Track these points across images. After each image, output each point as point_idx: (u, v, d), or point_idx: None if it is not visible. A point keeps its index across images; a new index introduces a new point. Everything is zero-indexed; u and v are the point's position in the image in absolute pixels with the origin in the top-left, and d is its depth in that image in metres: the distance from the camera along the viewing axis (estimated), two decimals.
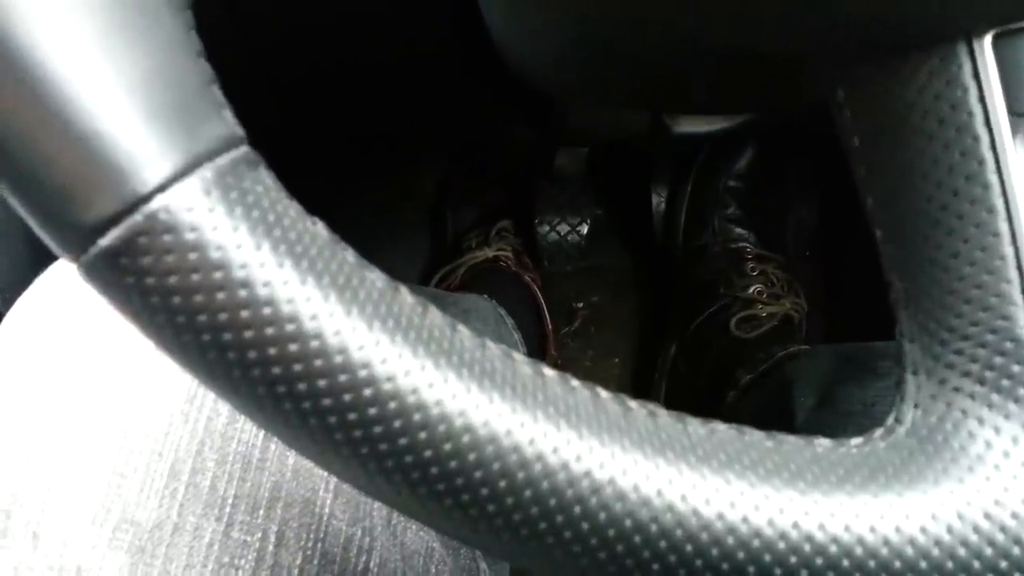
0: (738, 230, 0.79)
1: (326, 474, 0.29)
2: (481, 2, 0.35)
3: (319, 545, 0.29)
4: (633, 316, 0.89)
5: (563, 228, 0.86)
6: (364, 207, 0.83)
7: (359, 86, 0.63)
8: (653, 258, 0.87)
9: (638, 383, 0.85)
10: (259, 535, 0.28)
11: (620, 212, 0.90)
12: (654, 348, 0.84)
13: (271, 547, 0.28)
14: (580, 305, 0.89)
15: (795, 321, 0.74)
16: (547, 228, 0.86)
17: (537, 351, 0.78)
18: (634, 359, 0.87)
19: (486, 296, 0.71)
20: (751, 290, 0.74)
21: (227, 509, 0.28)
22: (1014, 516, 0.17)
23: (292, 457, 0.29)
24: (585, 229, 0.87)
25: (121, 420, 0.27)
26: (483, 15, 0.37)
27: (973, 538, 0.17)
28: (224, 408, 0.28)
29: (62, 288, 0.30)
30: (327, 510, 0.30)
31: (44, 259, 0.29)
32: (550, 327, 0.80)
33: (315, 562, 0.29)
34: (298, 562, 0.28)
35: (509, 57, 0.40)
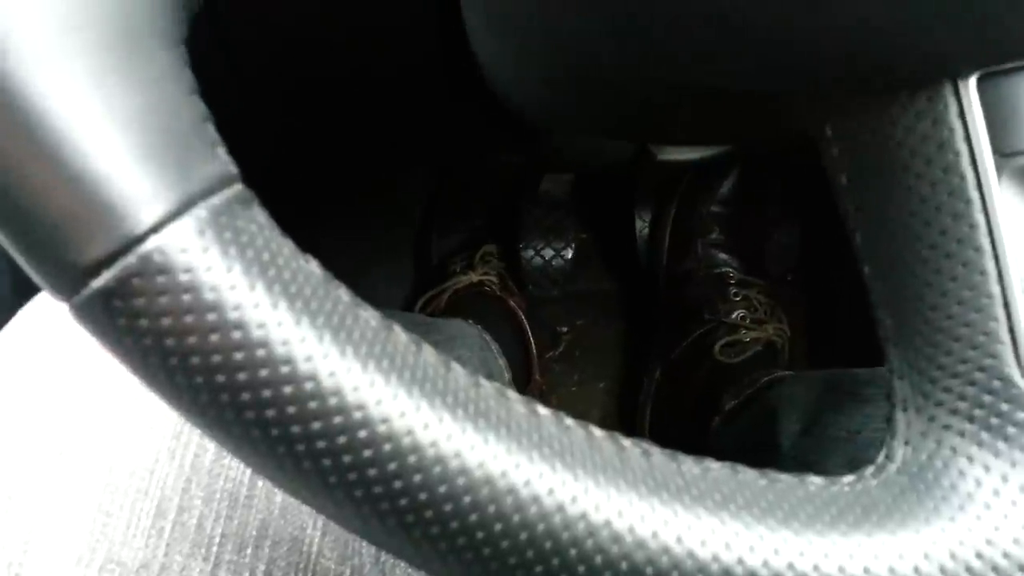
0: (721, 255, 0.80)
1: (314, 511, 0.29)
2: (468, 31, 0.35)
3: None
4: (618, 340, 0.89)
5: (548, 252, 0.86)
6: (348, 230, 0.82)
7: (344, 108, 0.63)
8: (637, 283, 0.88)
9: (623, 407, 0.85)
10: (246, 574, 0.27)
11: (605, 237, 0.90)
12: (639, 372, 0.84)
13: None
14: (565, 329, 0.89)
15: (778, 346, 0.74)
16: (532, 252, 0.86)
17: (522, 376, 0.77)
18: (619, 383, 0.87)
19: (471, 321, 0.71)
20: (735, 315, 0.74)
21: (214, 548, 0.27)
22: (1005, 555, 0.17)
23: (279, 495, 0.28)
24: (570, 253, 0.87)
25: (106, 457, 0.27)
26: (470, 42, 0.37)
27: None
28: (211, 445, 0.28)
29: (45, 321, 0.29)
30: (315, 548, 0.29)
31: (27, 291, 0.29)
32: (535, 352, 0.80)
33: None
34: None
35: (495, 84, 0.40)
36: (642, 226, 0.86)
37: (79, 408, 0.27)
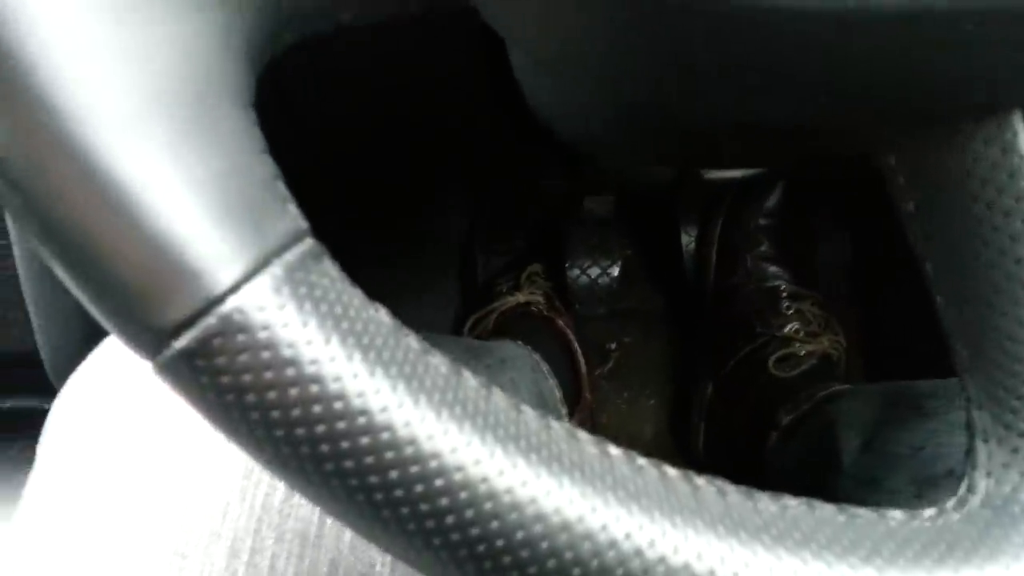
0: (771, 268, 0.79)
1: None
2: (514, 67, 0.35)
3: None
4: (666, 356, 0.88)
5: (594, 271, 0.86)
6: (395, 254, 0.83)
7: (390, 134, 0.64)
8: (684, 298, 0.87)
9: (674, 423, 0.85)
10: None
11: (650, 253, 0.90)
12: (688, 388, 0.83)
13: None
14: (613, 346, 0.89)
15: (835, 359, 0.73)
16: (577, 271, 0.86)
17: (572, 394, 0.77)
18: (669, 399, 0.86)
19: (520, 343, 0.71)
20: (788, 328, 0.73)
21: None
22: None
23: (349, 533, 0.29)
24: (616, 271, 0.87)
25: (179, 499, 0.28)
26: (516, 77, 0.37)
27: None
28: (281, 484, 0.28)
29: (115, 364, 0.30)
30: None
31: (96, 334, 0.30)
32: (584, 370, 0.80)
33: None
34: None
35: (539, 116, 0.40)
36: (688, 241, 0.85)
37: (150, 450, 0.28)
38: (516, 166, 0.73)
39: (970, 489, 0.19)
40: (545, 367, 0.71)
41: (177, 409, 0.28)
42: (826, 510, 0.18)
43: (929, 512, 0.19)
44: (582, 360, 0.80)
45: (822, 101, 0.19)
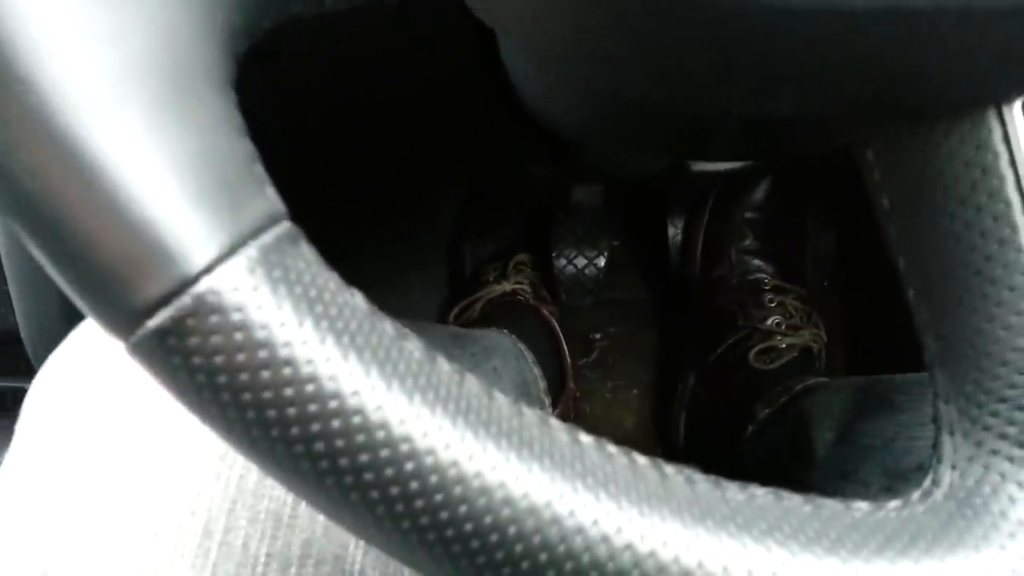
0: (756, 262, 0.79)
1: None
2: (503, 56, 0.35)
3: None
4: (651, 347, 0.89)
5: (580, 261, 0.86)
6: (384, 241, 0.83)
7: (379, 120, 0.64)
8: (670, 290, 0.87)
9: (657, 414, 0.85)
10: None
11: (637, 244, 0.90)
12: (673, 379, 0.83)
13: None
14: (598, 336, 0.89)
15: (815, 352, 0.74)
16: (564, 261, 0.86)
17: (556, 384, 0.78)
18: (653, 390, 0.87)
19: (505, 331, 0.72)
20: (770, 321, 0.74)
21: (259, 568, 0.27)
22: None
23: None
24: (602, 262, 0.87)
25: (154, 478, 0.28)
26: (505, 66, 0.37)
27: None
28: (255, 466, 0.29)
29: (94, 344, 0.30)
30: (358, 567, 0.29)
31: (77, 315, 0.29)
32: (568, 360, 0.80)
33: None
34: None
35: (527, 103, 0.40)
36: (674, 233, 0.86)
37: (127, 431, 0.28)
38: (505, 155, 0.73)
39: (935, 482, 0.19)
40: (530, 356, 0.71)
41: (154, 390, 0.28)
42: (793, 500, 0.18)
43: (894, 504, 0.19)
44: (566, 350, 0.80)
45: (803, 95, 0.20)
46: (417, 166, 0.78)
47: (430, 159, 0.76)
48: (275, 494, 0.28)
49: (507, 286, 0.78)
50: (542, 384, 0.72)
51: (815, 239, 0.85)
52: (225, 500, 0.28)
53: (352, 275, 0.19)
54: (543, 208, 0.87)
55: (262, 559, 0.28)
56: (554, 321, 0.80)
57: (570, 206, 0.84)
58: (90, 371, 0.29)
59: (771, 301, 0.76)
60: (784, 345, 0.73)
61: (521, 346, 0.71)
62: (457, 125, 0.64)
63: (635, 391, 0.87)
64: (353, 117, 0.61)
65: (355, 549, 0.29)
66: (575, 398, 0.82)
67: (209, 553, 0.27)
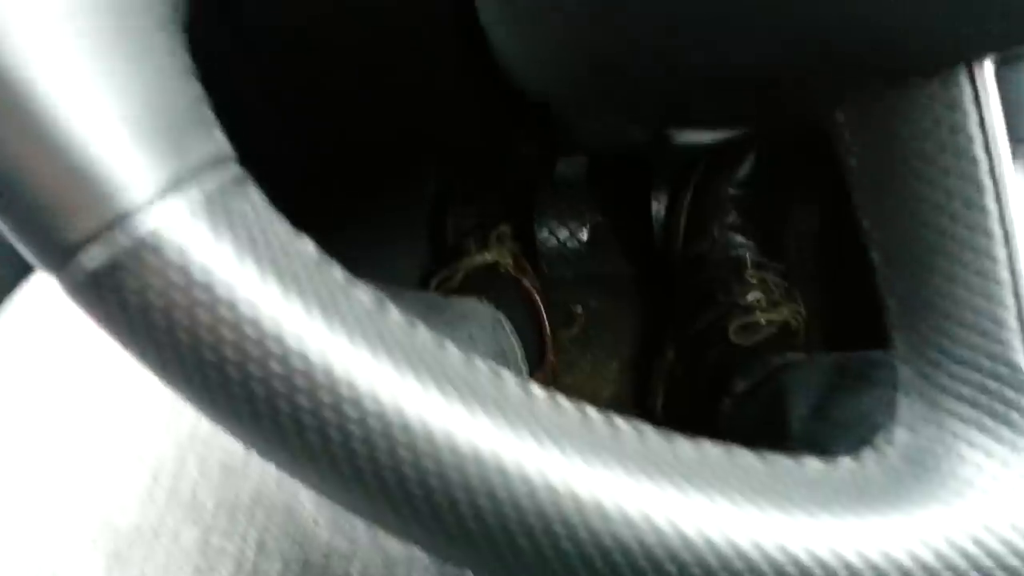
0: (738, 238, 0.79)
1: None
2: (481, 16, 0.35)
3: (300, 552, 0.29)
4: (633, 321, 0.89)
5: (563, 234, 0.86)
6: (365, 210, 0.83)
7: (360, 89, 0.63)
8: (653, 264, 0.87)
9: (637, 387, 0.85)
10: (239, 542, 0.28)
11: (620, 218, 0.90)
12: (653, 353, 0.83)
13: (251, 554, 0.28)
14: (580, 310, 0.89)
15: (794, 329, 0.74)
16: (547, 233, 0.86)
17: (535, 356, 0.78)
18: (633, 364, 0.87)
19: (484, 300, 0.71)
20: (750, 297, 0.74)
21: (207, 515, 0.27)
22: (1002, 541, 0.17)
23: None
24: (585, 235, 0.87)
25: (103, 424, 0.28)
26: (483, 26, 0.36)
27: (960, 563, 0.17)
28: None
29: (48, 294, 0.30)
30: (310, 517, 0.29)
31: (29, 266, 0.29)
32: (549, 332, 0.80)
33: (295, 569, 0.29)
34: (278, 569, 0.28)
35: (507, 68, 0.40)
36: (658, 208, 0.86)
37: (76, 379, 0.28)
38: (489, 124, 0.72)
39: (888, 441, 0.19)
40: (508, 325, 0.71)
41: (103, 340, 0.28)
42: (745, 456, 0.18)
43: (847, 462, 0.19)
44: (547, 322, 0.80)
45: (775, 51, 0.19)
46: (399, 135, 0.78)
47: (412, 128, 0.75)
48: (226, 444, 0.28)
49: (488, 256, 0.78)
50: (520, 354, 0.72)
51: (798, 216, 0.85)
52: (175, 448, 0.28)
53: (333, 245, 0.19)
54: (527, 180, 0.86)
55: (210, 506, 0.28)
56: (535, 293, 0.80)
57: (554, 179, 0.84)
58: (41, 322, 0.29)
59: (752, 277, 0.76)
60: (764, 321, 0.73)
61: (500, 316, 0.71)
62: (440, 95, 0.64)
63: (615, 364, 0.87)
64: (330, 81, 0.60)
65: (306, 499, 0.29)
66: (555, 370, 0.82)
67: (156, 499, 0.27)
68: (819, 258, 0.86)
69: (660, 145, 0.59)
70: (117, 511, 0.27)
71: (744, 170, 0.80)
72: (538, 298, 0.80)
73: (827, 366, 0.58)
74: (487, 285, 0.77)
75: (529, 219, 0.86)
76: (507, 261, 0.80)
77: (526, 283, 0.80)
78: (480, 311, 0.65)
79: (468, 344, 0.57)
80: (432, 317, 0.52)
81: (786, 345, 0.71)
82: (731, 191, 0.80)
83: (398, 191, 0.87)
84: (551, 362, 0.81)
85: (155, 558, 0.27)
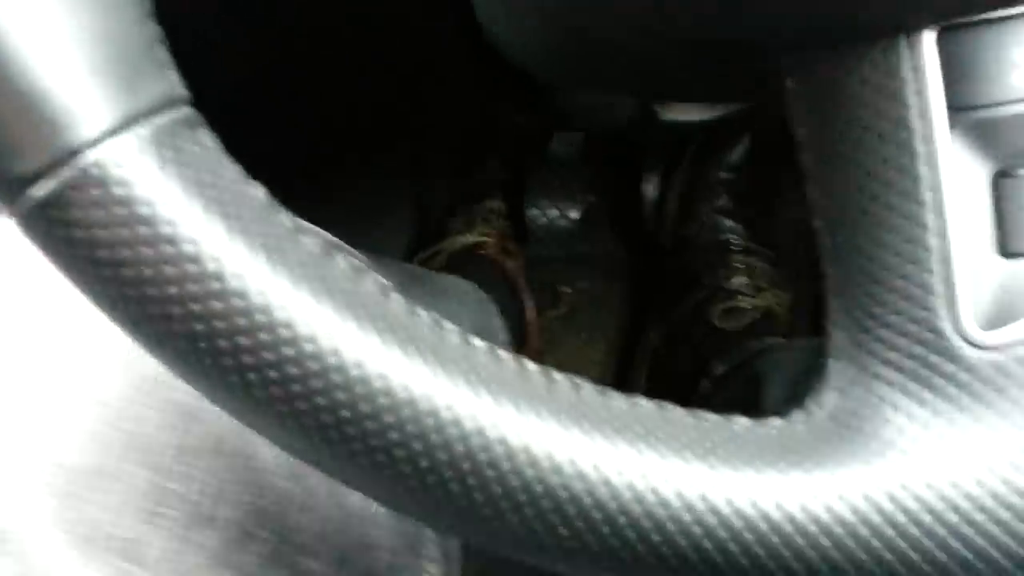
0: (727, 222, 0.80)
1: None
2: None
3: (256, 501, 0.29)
4: (620, 303, 0.89)
5: (553, 212, 0.86)
6: (348, 182, 0.82)
7: (346, 55, 0.63)
8: (643, 246, 0.87)
9: (621, 369, 0.86)
10: (195, 487, 0.28)
11: (611, 199, 0.90)
12: (639, 335, 0.84)
13: (207, 500, 0.28)
14: (568, 290, 0.89)
15: (777, 315, 0.74)
16: (537, 211, 0.86)
17: (516, 338, 0.77)
18: (619, 346, 0.87)
19: (469, 282, 0.71)
20: (735, 282, 0.74)
21: (164, 459, 0.27)
22: (917, 499, 0.17)
23: None
24: (575, 214, 0.87)
25: (55, 362, 0.27)
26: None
27: (876, 519, 0.17)
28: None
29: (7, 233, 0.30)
30: (268, 466, 0.29)
31: None
32: (529, 316, 0.80)
33: (251, 518, 0.29)
34: (232, 516, 0.28)
35: (490, 34, 0.40)
36: (650, 190, 0.86)
37: (32, 316, 0.28)
38: (479, 96, 0.72)
39: (818, 403, 0.19)
40: (494, 308, 0.71)
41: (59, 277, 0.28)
42: (676, 412, 0.19)
43: (775, 421, 0.19)
44: (528, 305, 0.80)
45: (713, 11, 0.20)
46: (386, 106, 0.77)
47: (398, 99, 0.75)
48: (184, 385, 0.28)
49: (470, 237, 0.78)
50: (506, 336, 0.72)
51: (788, 203, 0.85)
52: (130, 387, 0.28)
53: (313, 215, 0.19)
54: (518, 157, 0.86)
55: (169, 451, 0.28)
56: (518, 277, 0.80)
57: (547, 157, 0.84)
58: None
59: (739, 262, 0.76)
60: (748, 306, 0.73)
61: (485, 296, 0.70)
62: (428, 65, 0.64)
63: (601, 345, 0.88)
64: (313, 49, 0.60)
65: (265, 447, 0.29)
66: (540, 353, 0.82)
67: (111, 439, 0.27)
68: (808, 245, 0.87)
69: (648, 122, 0.59)
70: (71, 452, 0.27)
71: (736, 154, 0.81)
72: (521, 282, 0.80)
73: (805, 351, 0.58)
74: (470, 269, 0.77)
75: (520, 196, 0.86)
76: (489, 242, 0.79)
77: (508, 266, 0.80)
78: (462, 287, 0.65)
79: (450, 319, 0.57)
80: (414, 288, 0.52)
81: (768, 331, 0.72)
82: (722, 174, 0.81)
83: (385, 161, 0.86)
84: (534, 348, 0.81)
85: (108, 500, 0.26)
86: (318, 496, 0.30)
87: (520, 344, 0.78)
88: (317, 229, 0.36)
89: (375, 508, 0.31)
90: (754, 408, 0.57)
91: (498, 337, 0.70)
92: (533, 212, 0.86)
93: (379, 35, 0.56)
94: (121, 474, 0.27)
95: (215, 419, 0.28)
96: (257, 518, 0.29)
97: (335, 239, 0.31)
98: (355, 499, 0.30)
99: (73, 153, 0.15)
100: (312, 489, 0.30)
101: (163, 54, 0.17)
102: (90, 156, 0.15)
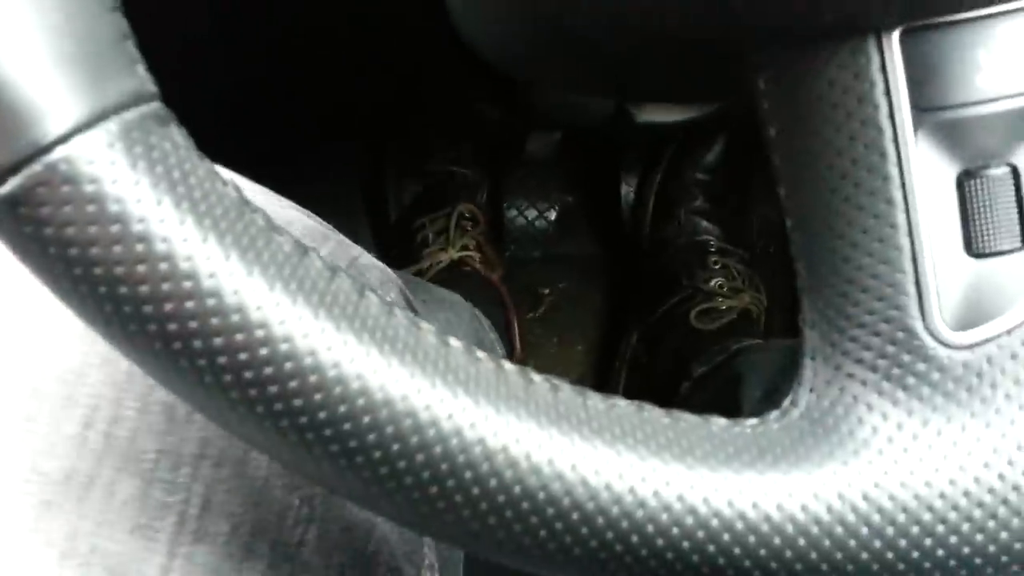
0: (704, 223, 0.80)
1: None
2: None
3: (250, 512, 0.27)
4: (599, 304, 0.89)
5: (531, 213, 0.86)
6: (320, 176, 0.80)
7: (313, 46, 0.62)
8: (621, 247, 0.88)
9: (600, 370, 0.86)
10: (182, 496, 0.26)
11: (589, 200, 0.90)
12: (618, 336, 0.84)
13: (195, 511, 0.26)
14: (546, 291, 0.90)
15: (754, 315, 0.75)
16: (515, 212, 0.86)
17: (508, 350, 0.77)
18: (598, 347, 0.87)
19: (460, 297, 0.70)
20: (712, 283, 0.75)
21: (147, 465, 0.26)
22: (891, 498, 0.18)
23: None
24: (553, 215, 0.87)
25: (33, 361, 0.26)
26: None
27: (850, 518, 0.17)
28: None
29: None
30: (262, 473, 0.27)
31: None
32: (516, 325, 0.79)
33: (244, 530, 0.27)
34: (225, 529, 0.26)
35: (462, 32, 0.40)
36: (627, 191, 0.86)
37: (7, 311, 0.26)
38: (454, 92, 0.71)
39: (793, 403, 0.20)
40: (486, 322, 0.70)
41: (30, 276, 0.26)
42: (654, 412, 0.19)
43: (752, 421, 0.19)
44: (515, 315, 0.79)
45: (696, 10, 0.20)
46: (352, 98, 0.75)
47: (372, 91, 0.74)
48: None
49: (453, 254, 0.77)
50: (500, 350, 0.71)
51: (764, 204, 0.86)
52: (111, 388, 0.26)
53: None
54: (494, 156, 0.86)
55: (151, 455, 0.26)
56: (503, 289, 0.79)
57: (523, 157, 0.84)
58: None
59: (715, 263, 0.77)
60: (725, 307, 0.74)
61: (477, 312, 0.70)
62: (398, 55, 0.63)
63: (580, 347, 0.88)
64: (283, 38, 0.59)
65: (259, 453, 0.25)
66: (522, 362, 0.81)
67: (90, 444, 0.25)
68: (784, 246, 0.87)
69: (623, 122, 0.60)
70: (47, 457, 0.25)
71: (713, 155, 0.81)
72: (506, 296, 0.78)
73: (782, 351, 0.59)
74: (456, 282, 0.75)
75: (496, 198, 0.85)
76: (473, 256, 0.78)
77: (495, 279, 0.79)
78: (457, 301, 0.64)
79: (446, 329, 0.57)
80: (416, 296, 0.51)
81: (746, 331, 0.72)
82: (699, 176, 0.81)
83: (329, 161, 0.83)
84: (519, 354, 0.80)
85: (89, 511, 0.25)
86: (317, 507, 0.28)
87: (509, 354, 0.78)
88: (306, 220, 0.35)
89: (377, 520, 0.29)
90: (733, 408, 0.57)
91: (496, 350, 0.70)
92: (511, 213, 0.86)
93: (376, 35, 0.55)
94: (101, 481, 0.25)
95: (203, 421, 0.26)
96: (252, 531, 0.27)
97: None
98: (354, 510, 0.29)
99: (42, 150, 0.15)
100: (311, 500, 0.28)
101: (132, 49, 0.17)
102: (59, 152, 0.15)
